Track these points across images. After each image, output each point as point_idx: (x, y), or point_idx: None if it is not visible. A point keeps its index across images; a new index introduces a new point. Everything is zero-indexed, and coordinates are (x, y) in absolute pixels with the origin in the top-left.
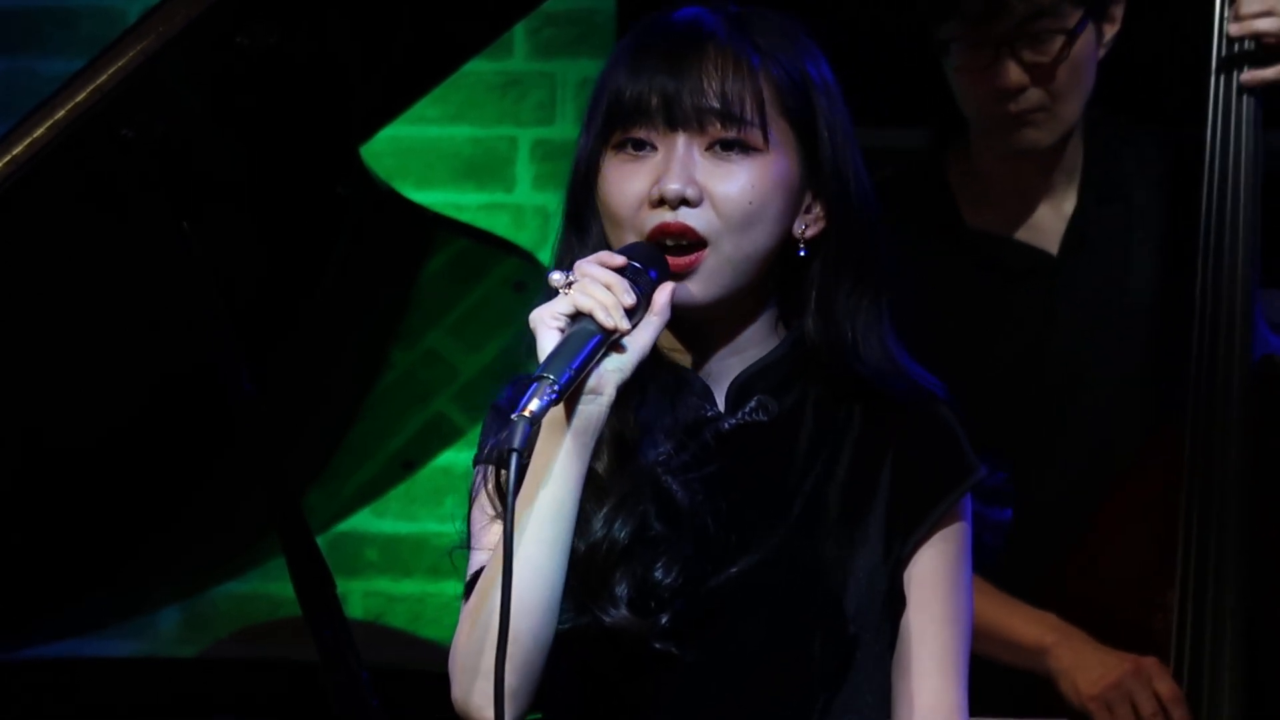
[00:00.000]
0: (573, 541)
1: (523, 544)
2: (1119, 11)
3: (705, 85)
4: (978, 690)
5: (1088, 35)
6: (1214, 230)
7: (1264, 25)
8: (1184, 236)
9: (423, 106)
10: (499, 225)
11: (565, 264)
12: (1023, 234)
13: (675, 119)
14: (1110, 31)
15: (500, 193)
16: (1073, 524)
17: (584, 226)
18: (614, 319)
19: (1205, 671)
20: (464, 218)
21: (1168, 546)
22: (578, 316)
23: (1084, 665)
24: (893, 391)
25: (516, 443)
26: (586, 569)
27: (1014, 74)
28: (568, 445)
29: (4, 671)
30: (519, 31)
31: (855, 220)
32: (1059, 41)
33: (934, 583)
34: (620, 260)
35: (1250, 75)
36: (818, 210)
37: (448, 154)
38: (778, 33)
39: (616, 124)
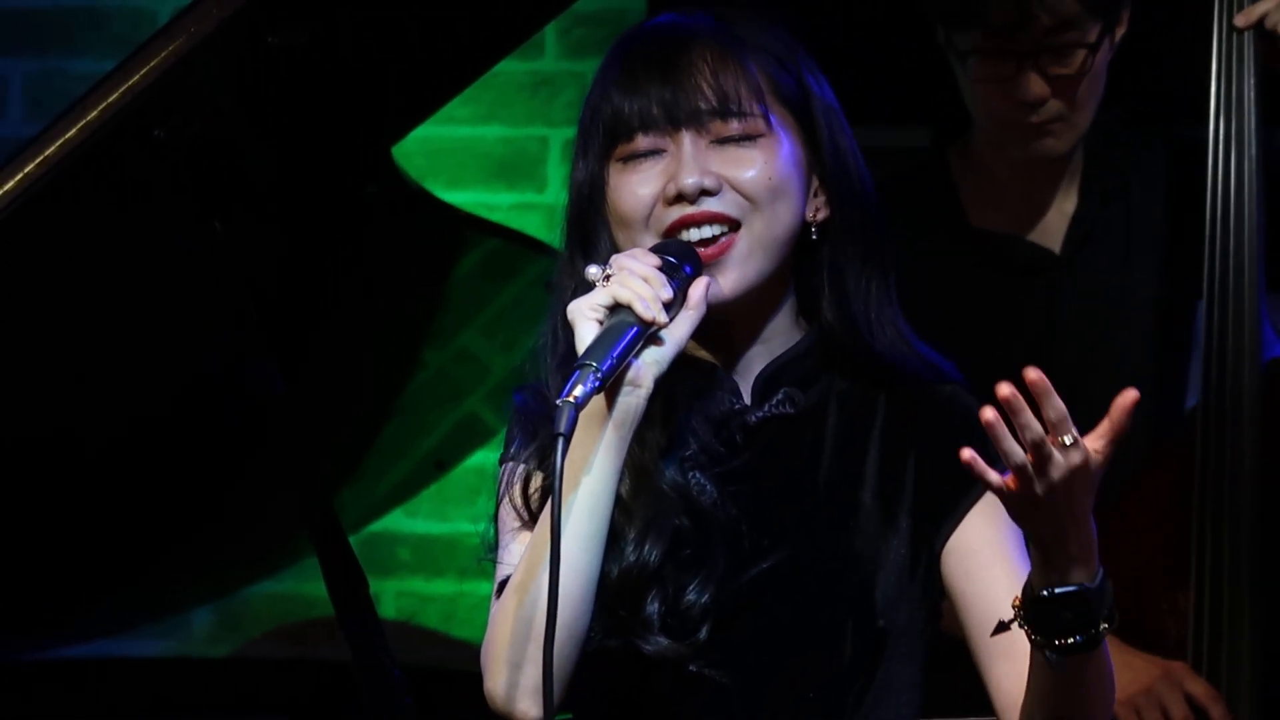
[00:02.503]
0: (605, 566)
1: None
2: (1127, 16)
3: (701, 85)
4: (974, 689)
5: (1104, 45)
6: (1220, 230)
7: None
8: (1183, 236)
9: (454, 106)
10: (530, 225)
11: (568, 288)
12: (1026, 233)
13: (678, 121)
14: (1119, 34)
15: (531, 193)
16: None
17: (592, 246)
18: (653, 311)
19: (1223, 675)
20: (495, 218)
21: (1179, 551)
22: (616, 309)
23: None
24: (910, 373)
25: (563, 427)
26: (619, 592)
27: (1036, 86)
28: (607, 437)
29: (38, 670)
30: (550, 31)
31: (857, 200)
32: (1081, 54)
33: (991, 548)
34: (656, 258)
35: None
36: (822, 195)
37: (479, 154)
38: (759, 22)
39: (620, 138)
